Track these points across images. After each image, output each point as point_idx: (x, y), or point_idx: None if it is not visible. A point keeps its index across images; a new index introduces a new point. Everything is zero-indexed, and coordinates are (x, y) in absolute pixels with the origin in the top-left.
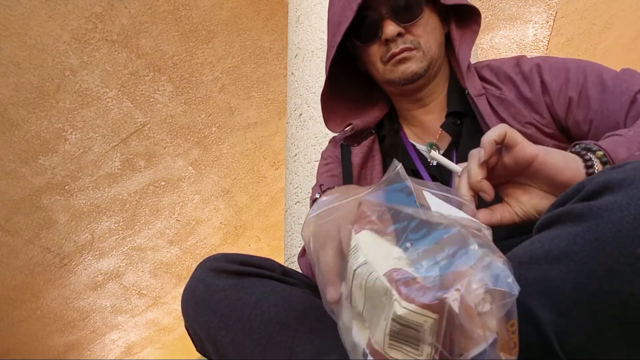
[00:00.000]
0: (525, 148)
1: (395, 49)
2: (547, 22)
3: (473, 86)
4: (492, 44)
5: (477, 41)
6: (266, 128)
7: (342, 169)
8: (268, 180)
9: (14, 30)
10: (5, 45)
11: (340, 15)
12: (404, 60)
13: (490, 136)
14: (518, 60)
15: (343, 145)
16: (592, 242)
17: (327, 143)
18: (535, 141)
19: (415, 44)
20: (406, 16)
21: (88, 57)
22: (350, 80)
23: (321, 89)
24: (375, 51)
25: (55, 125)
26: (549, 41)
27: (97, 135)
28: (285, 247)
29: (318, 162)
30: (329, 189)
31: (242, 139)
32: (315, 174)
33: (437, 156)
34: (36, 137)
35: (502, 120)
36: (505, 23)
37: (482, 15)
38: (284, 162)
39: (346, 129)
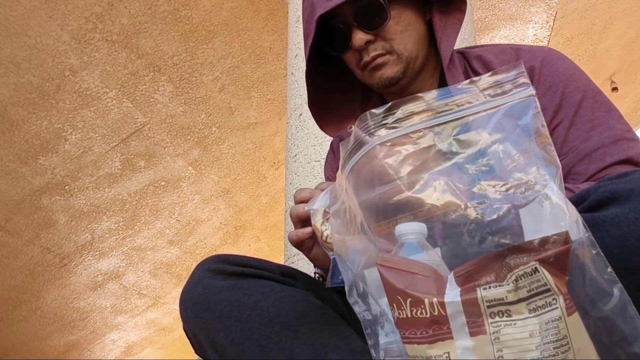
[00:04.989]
0: None
1: (366, 57)
2: (547, 22)
3: (454, 82)
4: None
5: (477, 42)
6: (266, 128)
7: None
8: (268, 180)
9: (14, 30)
10: (5, 45)
11: (306, 28)
12: (378, 67)
13: None
14: (517, 53)
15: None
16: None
17: (327, 143)
18: None
19: (387, 49)
20: (372, 22)
21: (88, 57)
22: (345, 78)
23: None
24: (351, 58)
25: (55, 125)
26: (548, 41)
27: (97, 135)
28: (285, 247)
29: (318, 162)
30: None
31: (242, 139)
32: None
33: None
34: (36, 137)
35: None
36: (505, 23)
37: (482, 15)
38: (284, 162)
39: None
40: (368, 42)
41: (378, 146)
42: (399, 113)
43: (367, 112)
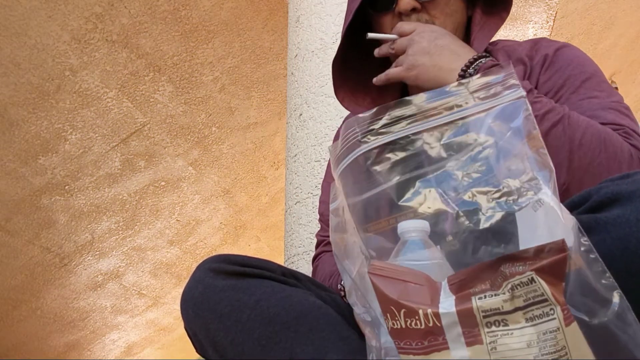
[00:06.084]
0: None
1: None
2: (547, 22)
3: None
4: None
5: None
6: (266, 128)
7: None
8: (268, 180)
9: (14, 30)
10: (5, 45)
11: None
12: None
13: None
14: (536, 44)
15: None
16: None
17: (327, 143)
18: None
19: (429, 24)
20: None
21: (88, 57)
22: (367, 55)
23: (321, 89)
24: (388, 23)
25: (55, 125)
26: None
27: (97, 135)
28: (285, 247)
29: (318, 162)
30: None
31: (242, 139)
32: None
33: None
34: (36, 137)
35: None
36: (505, 23)
37: None
38: (284, 162)
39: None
40: (414, 10)
41: (366, 153)
42: (387, 118)
43: (355, 117)
